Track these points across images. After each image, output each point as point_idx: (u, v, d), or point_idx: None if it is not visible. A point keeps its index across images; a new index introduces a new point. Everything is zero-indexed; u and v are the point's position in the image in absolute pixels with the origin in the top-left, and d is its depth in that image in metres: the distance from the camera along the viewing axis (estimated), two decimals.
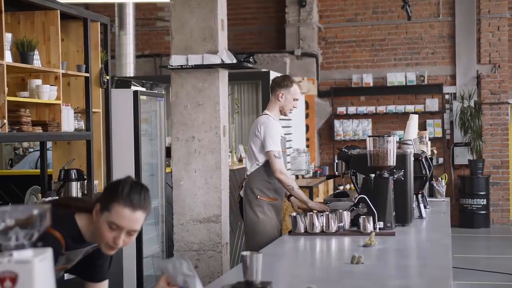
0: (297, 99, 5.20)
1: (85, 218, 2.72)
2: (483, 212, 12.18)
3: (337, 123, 12.88)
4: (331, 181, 10.93)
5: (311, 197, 8.83)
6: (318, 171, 10.82)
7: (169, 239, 6.68)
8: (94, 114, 5.77)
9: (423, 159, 5.13)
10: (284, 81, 5.17)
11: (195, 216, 5.61)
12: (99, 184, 5.83)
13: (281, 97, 5.16)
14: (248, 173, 5.16)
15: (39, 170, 5.99)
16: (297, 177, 10.20)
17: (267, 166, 5.05)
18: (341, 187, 10.12)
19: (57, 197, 5.05)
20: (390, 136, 4.43)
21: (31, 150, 8.55)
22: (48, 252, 1.80)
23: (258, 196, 5.10)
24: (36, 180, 5.89)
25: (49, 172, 5.81)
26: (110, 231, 2.62)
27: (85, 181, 5.59)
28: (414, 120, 5.80)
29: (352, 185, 5.86)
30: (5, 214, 1.77)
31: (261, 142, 5.05)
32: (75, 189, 5.42)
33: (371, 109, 12.76)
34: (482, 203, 12.16)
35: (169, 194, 6.57)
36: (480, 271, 8.54)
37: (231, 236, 6.60)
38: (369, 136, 4.49)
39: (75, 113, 5.52)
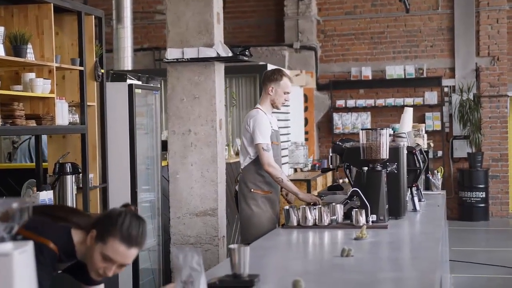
0: (288, 93, 5.17)
1: (80, 235, 2.71)
2: (482, 205, 12.17)
3: (336, 116, 12.86)
4: (329, 175, 10.91)
5: (308, 190, 8.83)
6: (317, 165, 10.80)
7: (165, 232, 6.68)
8: (89, 108, 5.76)
9: (417, 152, 5.12)
10: (274, 75, 5.15)
11: (192, 209, 5.61)
12: (94, 178, 5.83)
13: (272, 90, 5.15)
14: (242, 167, 5.16)
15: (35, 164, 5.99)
16: (295, 170, 10.19)
17: (259, 160, 5.05)
18: (340, 180, 10.11)
19: (53, 204, 4.97)
20: (383, 129, 4.43)
21: None
22: (29, 245, 1.80)
23: (252, 190, 5.09)
24: (33, 173, 5.89)
25: (44, 165, 5.81)
26: (102, 262, 2.63)
27: (80, 174, 5.59)
28: (408, 113, 5.80)
29: None
30: None
31: (251, 136, 5.05)
32: (70, 183, 5.42)
33: (370, 102, 12.74)
34: (481, 196, 12.15)
35: (165, 187, 6.57)
36: (478, 264, 8.54)
37: (228, 230, 6.60)
38: (362, 129, 4.49)
39: (69, 106, 5.51)
